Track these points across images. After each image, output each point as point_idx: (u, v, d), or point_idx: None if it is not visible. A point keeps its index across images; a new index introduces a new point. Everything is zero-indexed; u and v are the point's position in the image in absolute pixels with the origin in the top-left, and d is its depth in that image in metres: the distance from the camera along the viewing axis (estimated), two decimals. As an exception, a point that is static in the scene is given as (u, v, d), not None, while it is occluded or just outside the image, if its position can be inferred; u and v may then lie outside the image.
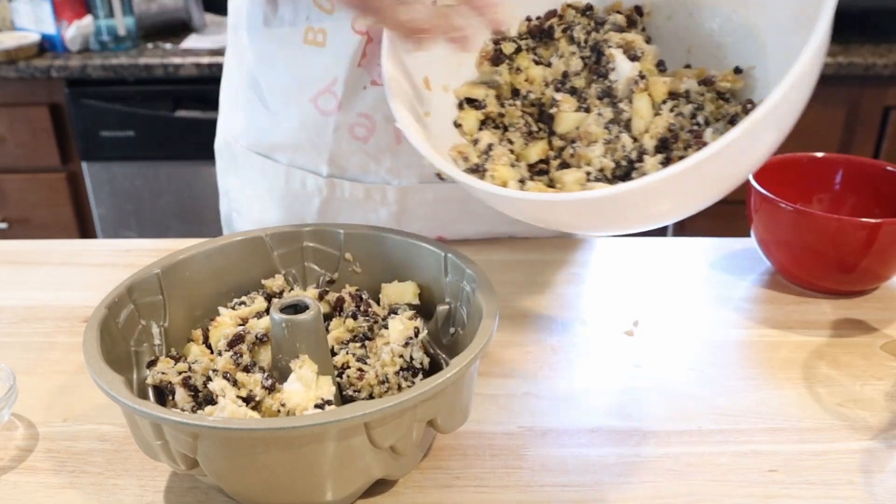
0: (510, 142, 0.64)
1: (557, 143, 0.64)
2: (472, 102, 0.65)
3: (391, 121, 0.61)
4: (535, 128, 0.65)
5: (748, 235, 0.80)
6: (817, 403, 0.61)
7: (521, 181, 0.61)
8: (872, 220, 0.68)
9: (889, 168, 0.78)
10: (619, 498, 0.52)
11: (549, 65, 0.67)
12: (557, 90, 0.65)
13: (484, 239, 0.86)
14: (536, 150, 0.63)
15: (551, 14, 0.68)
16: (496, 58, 0.66)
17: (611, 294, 0.77)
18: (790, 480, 0.53)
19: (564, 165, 0.62)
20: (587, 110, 0.63)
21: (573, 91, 0.65)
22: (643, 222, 0.56)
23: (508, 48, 0.66)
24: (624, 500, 0.51)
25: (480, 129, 0.64)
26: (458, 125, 0.65)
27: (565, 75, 0.65)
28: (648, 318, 0.72)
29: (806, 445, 0.56)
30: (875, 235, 0.68)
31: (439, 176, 0.57)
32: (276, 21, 0.76)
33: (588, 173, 0.60)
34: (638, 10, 0.68)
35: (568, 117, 0.63)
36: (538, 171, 0.63)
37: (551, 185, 0.62)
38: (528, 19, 0.68)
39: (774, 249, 0.76)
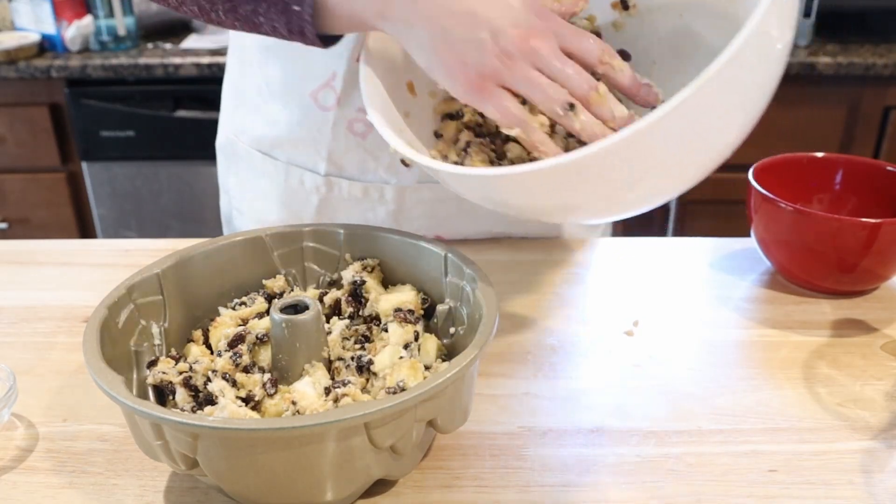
0: (493, 142, 0.65)
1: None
2: (450, 115, 0.66)
3: None
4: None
5: (748, 235, 0.80)
6: (817, 403, 0.61)
7: None
8: (872, 220, 0.68)
9: (889, 168, 0.78)
10: (619, 498, 0.52)
11: None
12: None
13: (484, 239, 0.86)
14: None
15: None
16: None
17: (611, 294, 0.77)
18: (790, 480, 0.53)
19: None
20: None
21: None
22: (608, 201, 0.52)
23: None
24: (624, 500, 0.51)
25: (457, 140, 0.65)
26: (438, 135, 0.65)
27: None
28: (648, 318, 0.72)
29: (806, 445, 0.56)
30: (875, 235, 0.68)
31: (403, 162, 0.57)
32: None
33: None
34: (623, 3, 0.69)
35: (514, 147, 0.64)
36: None
37: None
38: None
39: (774, 249, 0.76)
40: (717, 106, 0.47)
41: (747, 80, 0.48)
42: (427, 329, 0.58)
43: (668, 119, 0.44)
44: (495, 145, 0.65)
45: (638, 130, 0.44)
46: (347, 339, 0.56)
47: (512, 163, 0.63)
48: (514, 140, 0.65)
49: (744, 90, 0.48)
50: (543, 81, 0.51)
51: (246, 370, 0.53)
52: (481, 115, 0.66)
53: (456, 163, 0.61)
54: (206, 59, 1.90)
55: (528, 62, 0.51)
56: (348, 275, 0.60)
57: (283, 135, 0.81)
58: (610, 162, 0.47)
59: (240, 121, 0.86)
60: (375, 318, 0.58)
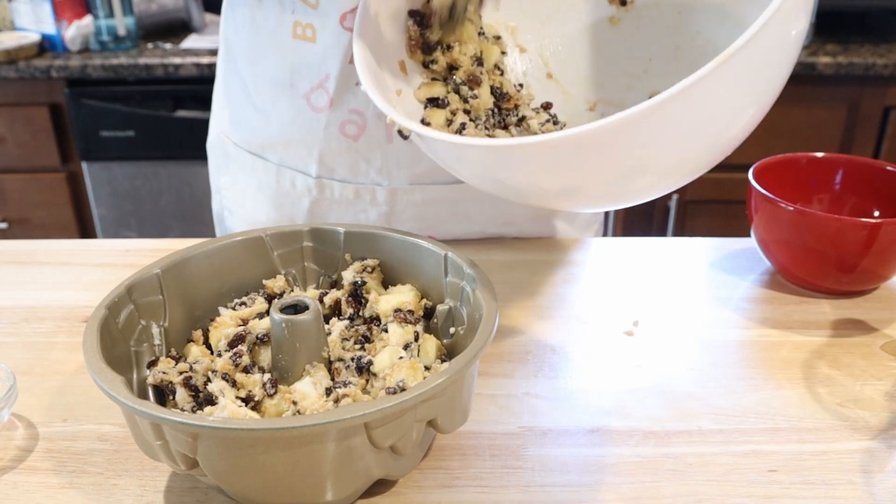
0: (486, 128, 0.65)
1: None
2: (434, 101, 0.65)
3: (383, 118, 0.61)
4: (509, 118, 0.66)
5: (748, 235, 0.80)
6: (817, 403, 0.61)
7: None
8: (872, 220, 0.68)
9: (889, 168, 0.78)
10: (619, 498, 0.52)
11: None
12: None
13: (482, 239, 0.86)
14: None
15: None
16: (425, 47, 0.66)
17: (611, 294, 0.77)
18: (790, 480, 0.53)
19: None
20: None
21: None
22: (611, 184, 0.51)
23: (435, 34, 0.65)
24: (624, 500, 0.51)
25: (450, 122, 0.64)
26: (426, 123, 0.64)
27: (481, 33, 0.66)
28: (648, 318, 0.72)
29: (806, 445, 0.56)
30: (875, 235, 0.68)
31: (401, 133, 0.55)
32: (262, 15, 0.76)
33: None
34: None
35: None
36: None
37: None
38: None
39: (774, 249, 0.76)
40: (734, 86, 0.45)
41: (766, 63, 0.46)
42: (427, 329, 0.58)
43: (683, 96, 0.43)
44: (488, 129, 0.64)
45: (651, 106, 0.43)
46: (347, 340, 0.56)
47: None
48: (506, 127, 0.66)
49: (760, 74, 0.47)
50: None
51: (246, 370, 0.53)
52: (464, 98, 0.65)
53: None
54: (206, 59, 1.90)
55: None
56: (349, 275, 0.60)
57: (274, 136, 0.81)
58: (623, 137, 0.45)
59: (230, 121, 0.86)
60: (375, 319, 0.58)
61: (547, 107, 0.68)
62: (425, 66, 0.66)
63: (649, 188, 0.52)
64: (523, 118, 0.66)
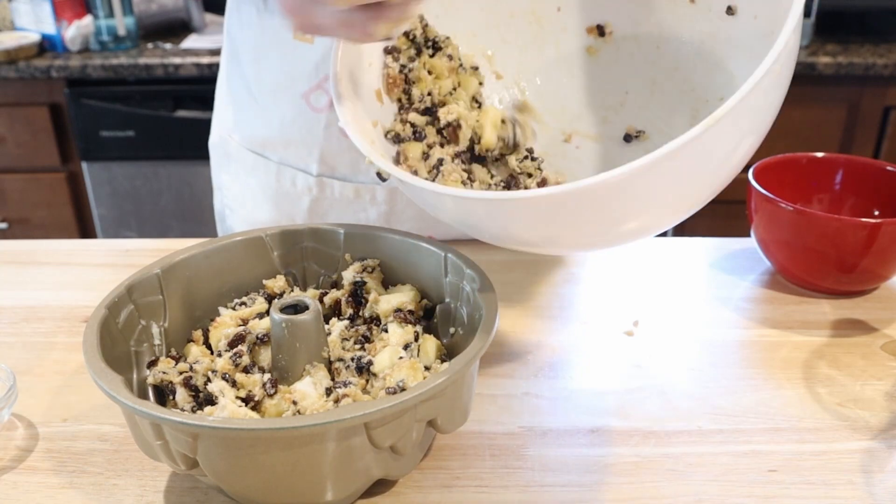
0: (463, 162, 0.62)
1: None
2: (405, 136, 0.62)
3: None
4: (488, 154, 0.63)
5: (748, 235, 0.80)
6: (817, 403, 0.61)
7: None
8: (872, 220, 0.68)
9: (889, 168, 0.78)
10: (619, 498, 0.52)
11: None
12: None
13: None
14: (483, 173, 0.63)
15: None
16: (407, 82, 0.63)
17: (611, 294, 0.77)
18: (790, 480, 0.53)
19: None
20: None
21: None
22: (607, 233, 0.50)
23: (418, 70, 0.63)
24: (624, 500, 0.51)
25: (427, 156, 0.61)
26: (403, 156, 0.61)
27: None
28: (648, 318, 0.72)
29: (806, 445, 0.56)
30: (875, 235, 0.68)
31: (379, 176, 0.54)
32: (268, 13, 0.76)
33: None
34: (600, 28, 0.68)
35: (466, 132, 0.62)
36: None
37: None
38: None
39: (774, 249, 0.76)
40: (731, 137, 0.45)
41: (765, 98, 0.46)
42: (427, 329, 0.58)
43: (681, 152, 0.42)
44: (465, 163, 0.62)
45: (638, 167, 0.42)
46: (347, 340, 0.56)
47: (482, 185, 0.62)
48: (484, 162, 0.64)
49: (760, 112, 0.47)
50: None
51: (246, 370, 0.53)
52: (441, 133, 0.63)
53: (427, 181, 0.58)
54: (206, 59, 1.91)
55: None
56: (349, 275, 0.60)
57: (275, 135, 0.81)
58: (620, 193, 0.45)
59: (232, 120, 0.86)
60: (375, 319, 0.58)
61: None
62: (402, 103, 0.63)
63: (636, 233, 0.52)
64: (501, 154, 0.64)
